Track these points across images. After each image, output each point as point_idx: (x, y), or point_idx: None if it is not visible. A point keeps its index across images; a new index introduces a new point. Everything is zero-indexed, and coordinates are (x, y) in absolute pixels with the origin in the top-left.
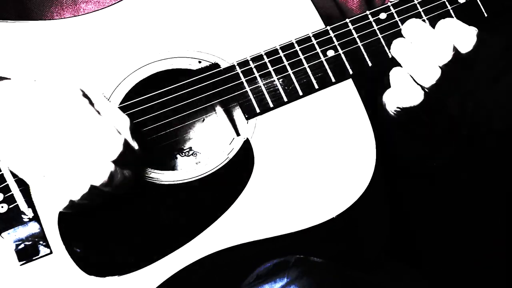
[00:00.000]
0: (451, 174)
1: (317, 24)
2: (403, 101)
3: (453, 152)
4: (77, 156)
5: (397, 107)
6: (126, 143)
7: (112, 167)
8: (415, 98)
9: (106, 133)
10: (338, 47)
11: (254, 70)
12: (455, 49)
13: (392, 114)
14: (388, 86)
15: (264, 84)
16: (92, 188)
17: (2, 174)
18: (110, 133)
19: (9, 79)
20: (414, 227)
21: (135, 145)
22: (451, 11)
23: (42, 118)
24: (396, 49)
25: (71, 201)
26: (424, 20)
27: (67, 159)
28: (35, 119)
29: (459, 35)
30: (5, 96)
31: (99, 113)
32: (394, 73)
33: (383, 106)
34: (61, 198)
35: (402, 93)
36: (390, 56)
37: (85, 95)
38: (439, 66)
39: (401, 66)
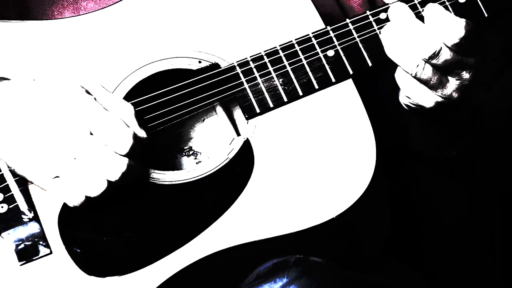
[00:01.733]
0: (455, 172)
1: (317, 24)
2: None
3: (468, 145)
4: (91, 155)
5: (410, 103)
6: (135, 135)
7: (127, 160)
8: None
9: (116, 129)
10: (338, 47)
11: (254, 70)
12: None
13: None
14: (389, 84)
15: (264, 84)
16: (110, 183)
17: (2, 174)
18: (120, 127)
19: (9, 79)
20: (416, 228)
21: (143, 133)
22: (451, 10)
23: (49, 119)
24: (385, 34)
25: (87, 197)
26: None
27: (80, 158)
28: (41, 120)
29: (445, 25)
30: (7, 97)
31: (105, 108)
32: (398, 72)
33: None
34: (78, 195)
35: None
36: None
37: (88, 92)
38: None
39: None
